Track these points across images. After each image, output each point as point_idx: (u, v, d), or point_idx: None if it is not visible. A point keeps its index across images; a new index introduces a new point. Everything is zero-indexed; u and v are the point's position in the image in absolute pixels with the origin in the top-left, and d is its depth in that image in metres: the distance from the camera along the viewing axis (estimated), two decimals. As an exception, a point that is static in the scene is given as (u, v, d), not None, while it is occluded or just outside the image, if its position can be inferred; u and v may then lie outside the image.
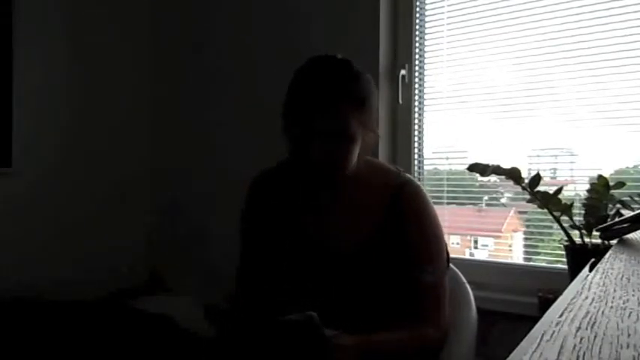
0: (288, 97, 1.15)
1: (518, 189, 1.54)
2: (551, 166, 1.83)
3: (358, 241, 1.17)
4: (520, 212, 1.91)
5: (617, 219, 1.18)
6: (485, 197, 1.97)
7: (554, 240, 1.75)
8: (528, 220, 1.88)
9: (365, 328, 1.07)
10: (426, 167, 2.02)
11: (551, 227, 1.75)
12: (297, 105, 1.12)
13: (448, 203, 1.95)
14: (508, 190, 1.91)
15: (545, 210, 1.46)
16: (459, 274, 1.36)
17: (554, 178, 1.80)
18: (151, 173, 2.63)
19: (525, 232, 1.87)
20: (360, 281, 1.17)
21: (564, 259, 1.50)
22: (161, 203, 2.61)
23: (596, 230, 1.32)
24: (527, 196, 1.48)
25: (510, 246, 1.94)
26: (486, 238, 1.99)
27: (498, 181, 1.85)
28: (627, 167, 1.68)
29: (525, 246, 1.87)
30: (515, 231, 1.92)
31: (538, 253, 1.81)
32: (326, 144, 1.10)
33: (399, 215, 1.17)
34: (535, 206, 1.51)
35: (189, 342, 1.94)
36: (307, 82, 1.13)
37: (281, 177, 1.30)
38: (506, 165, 1.48)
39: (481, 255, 1.97)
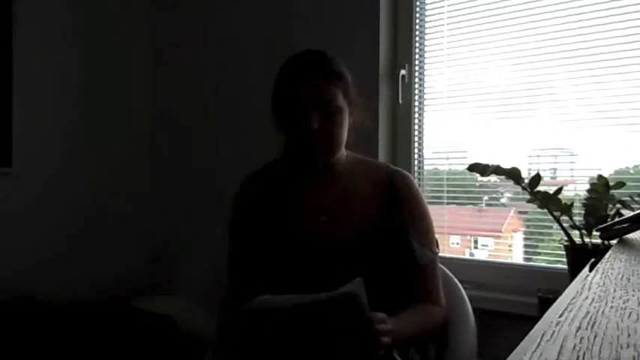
0: (275, 90, 1.24)
1: (518, 189, 1.53)
2: (551, 166, 1.83)
3: (355, 232, 1.21)
4: (520, 212, 1.91)
5: (617, 219, 1.18)
6: (485, 197, 1.97)
7: (554, 240, 1.75)
8: (528, 220, 1.88)
9: None
10: (426, 167, 2.02)
11: (551, 227, 1.75)
12: (284, 90, 1.21)
13: (448, 203, 1.94)
14: (508, 190, 1.91)
15: (545, 210, 1.46)
16: (447, 271, 1.40)
17: (554, 178, 1.80)
18: (152, 173, 2.63)
19: (525, 232, 1.87)
20: (359, 270, 1.18)
21: (564, 259, 1.50)
22: (162, 203, 2.61)
23: (596, 230, 1.31)
24: (527, 196, 1.48)
25: (510, 246, 1.94)
26: (486, 238, 1.99)
27: (498, 181, 1.85)
28: (627, 167, 1.68)
29: (525, 246, 1.86)
30: (515, 231, 1.92)
31: (538, 253, 1.81)
32: (317, 116, 1.17)
33: (395, 203, 1.25)
34: (535, 206, 1.51)
35: (190, 342, 1.94)
36: (289, 69, 1.22)
37: (271, 175, 1.34)
38: (506, 165, 1.48)
39: (481, 255, 1.97)
